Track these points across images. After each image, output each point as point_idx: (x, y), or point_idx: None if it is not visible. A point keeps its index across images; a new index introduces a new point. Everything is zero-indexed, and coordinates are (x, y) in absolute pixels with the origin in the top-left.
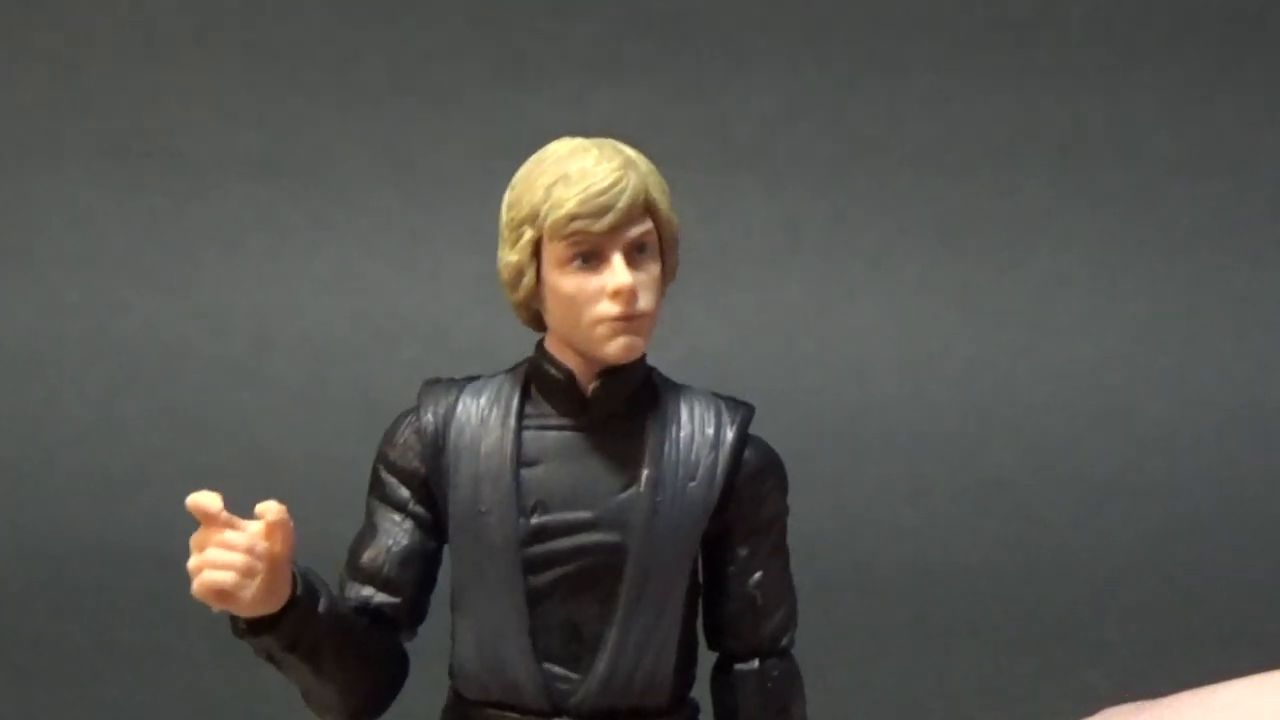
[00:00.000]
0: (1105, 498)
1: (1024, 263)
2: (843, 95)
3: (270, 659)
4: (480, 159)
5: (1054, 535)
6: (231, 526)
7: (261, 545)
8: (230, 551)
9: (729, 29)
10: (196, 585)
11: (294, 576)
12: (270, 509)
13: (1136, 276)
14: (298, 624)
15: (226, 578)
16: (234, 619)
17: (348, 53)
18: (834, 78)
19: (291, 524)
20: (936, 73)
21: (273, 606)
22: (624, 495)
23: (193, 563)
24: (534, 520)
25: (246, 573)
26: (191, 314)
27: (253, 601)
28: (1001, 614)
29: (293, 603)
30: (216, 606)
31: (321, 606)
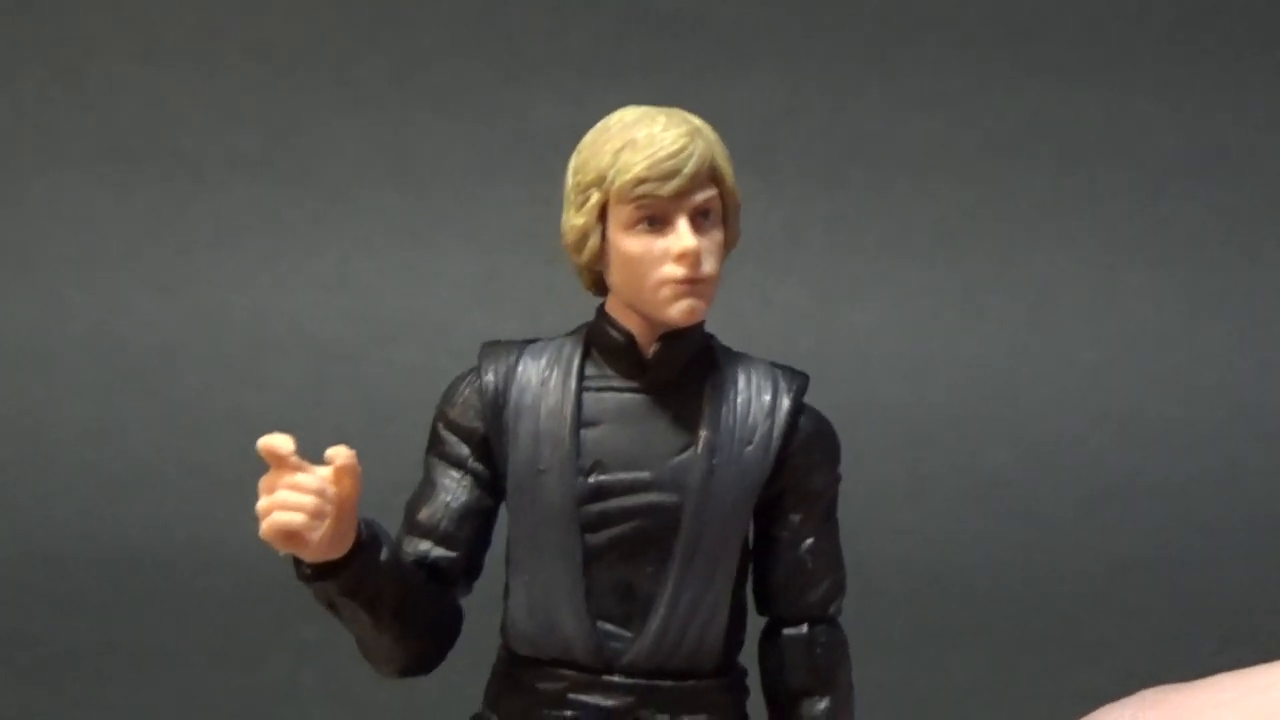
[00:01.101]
0: (1105, 498)
1: (1024, 263)
2: (843, 95)
3: (330, 606)
4: (480, 159)
5: (1054, 535)
6: (301, 469)
7: (331, 489)
8: (300, 493)
9: (729, 29)
10: (266, 526)
11: (359, 523)
12: (340, 453)
13: (1136, 276)
14: (361, 570)
15: (297, 519)
16: (298, 563)
17: (348, 53)
18: (834, 78)
19: (360, 470)
20: (936, 73)
21: (338, 551)
22: (681, 457)
23: (262, 504)
24: (592, 480)
25: (316, 515)
26: (191, 314)
27: (320, 545)
28: (1001, 614)
29: (358, 548)
30: (283, 549)
31: (384, 555)
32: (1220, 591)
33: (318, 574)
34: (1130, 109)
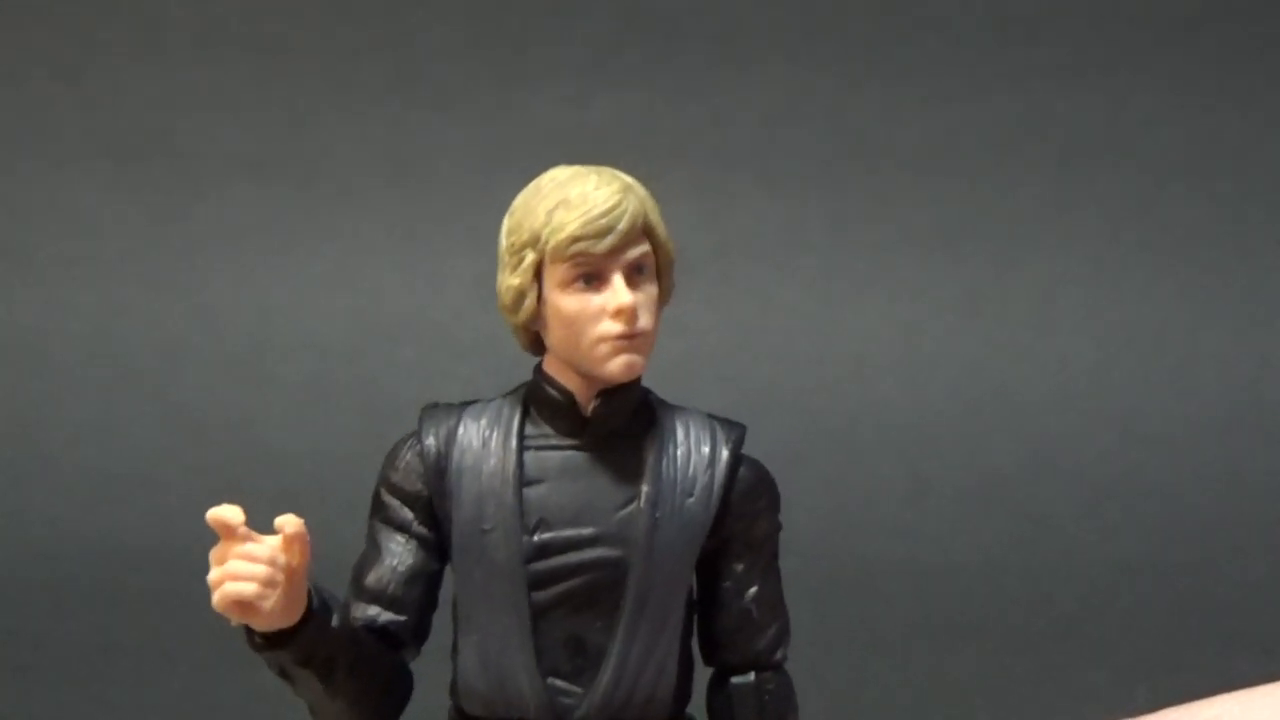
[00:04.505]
0: (1105, 498)
1: (1024, 263)
2: (843, 95)
3: (283, 674)
4: (480, 159)
5: (1054, 535)
6: (251, 539)
7: (282, 558)
8: (252, 563)
9: (729, 29)
10: (218, 598)
11: (309, 591)
12: (289, 522)
13: (1136, 276)
14: (313, 638)
15: (249, 589)
16: (250, 633)
17: (348, 53)
18: (834, 78)
19: (308, 537)
20: (936, 73)
21: (290, 619)
22: (625, 511)
23: (214, 575)
24: (537, 537)
25: (268, 584)
26: (191, 314)
27: (272, 614)
28: (1001, 614)
29: (309, 616)
30: (236, 619)
31: (335, 621)
32: (1221, 592)
33: (270, 643)
34: (1130, 109)
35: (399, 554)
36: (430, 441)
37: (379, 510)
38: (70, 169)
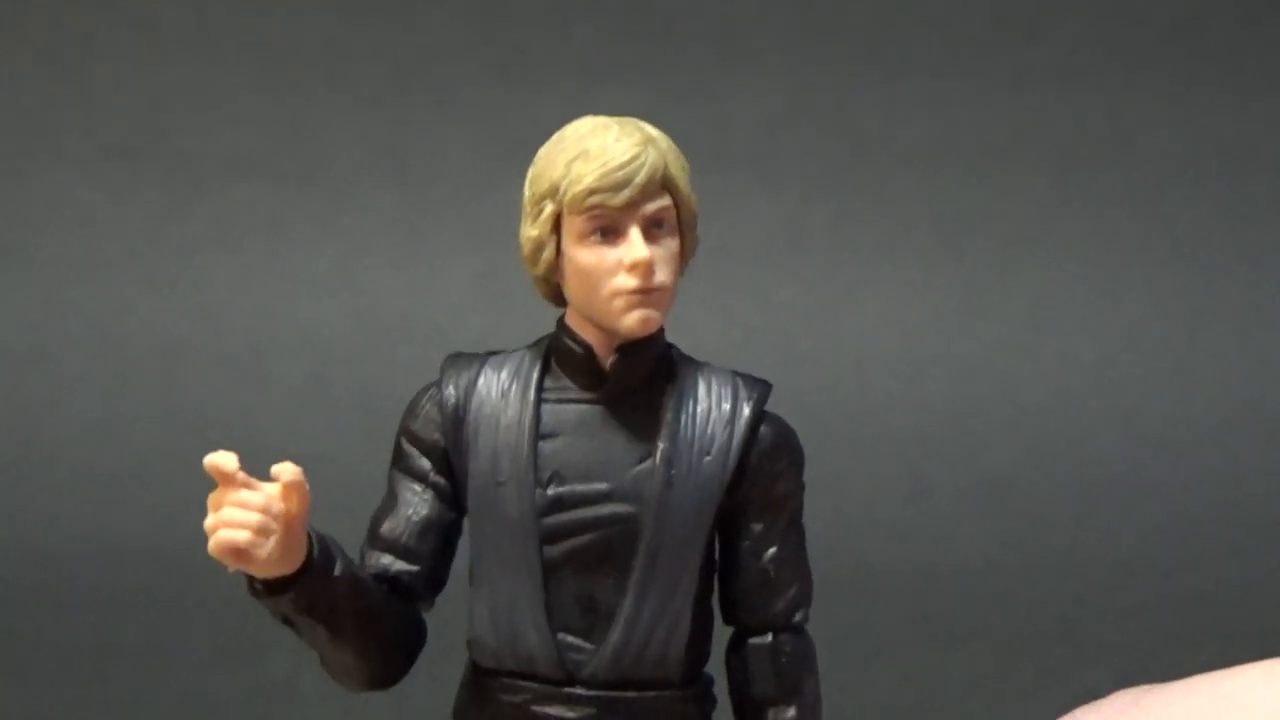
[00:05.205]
0: (1105, 498)
1: (1024, 263)
2: (843, 95)
3: (287, 621)
4: (480, 159)
5: (1054, 535)
6: (248, 486)
7: (278, 505)
8: (246, 510)
9: (729, 29)
10: (212, 544)
11: (310, 539)
12: (286, 470)
13: (1136, 276)
14: (313, 585)
15: (242, 536)
16: (250, 579)
17: (348, 53)
18: (834, 78)
19: (307, 486)
20: (936, 73)
21: (288, 567)
22: (639, 468)
23: (209, 521)
24: (551, 491)
25: (262, 531)
26: (191, 314)
27: (268, 561)
28: (1001, 614)
29: (308, 564)
30: (232, 566)
31: (337, 570)
32: (1220, 591)
33: (269, 590)
34: (1130, 109)
35: (415, 504)
36: (450, 391)
37: (398, 459)
38: (70, 169)
